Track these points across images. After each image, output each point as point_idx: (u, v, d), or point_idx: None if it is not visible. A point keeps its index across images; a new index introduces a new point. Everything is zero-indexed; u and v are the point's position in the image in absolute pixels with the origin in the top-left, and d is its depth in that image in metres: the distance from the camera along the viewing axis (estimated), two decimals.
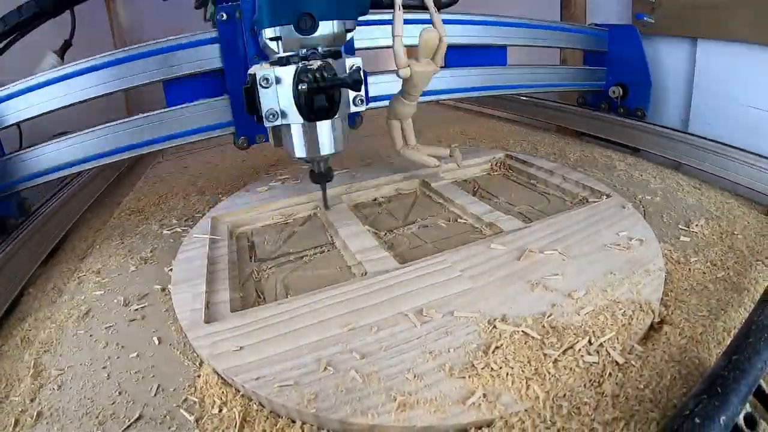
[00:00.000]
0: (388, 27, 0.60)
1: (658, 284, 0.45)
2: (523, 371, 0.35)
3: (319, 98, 0.52)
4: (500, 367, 0.35)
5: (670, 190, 0.71)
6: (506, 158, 0.83)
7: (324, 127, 0.56)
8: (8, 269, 0.56)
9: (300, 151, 0.57)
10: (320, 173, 0.61)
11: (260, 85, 0.52)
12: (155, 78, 0.64)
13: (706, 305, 0.44)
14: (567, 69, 1.01)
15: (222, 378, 0.39)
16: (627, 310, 0.41)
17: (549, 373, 0.34)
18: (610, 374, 0.35)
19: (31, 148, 0.65)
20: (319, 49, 0.54)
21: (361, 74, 0.54)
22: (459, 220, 0.64)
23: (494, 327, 0.39)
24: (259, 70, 0.53)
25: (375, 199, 0.73)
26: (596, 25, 0.96)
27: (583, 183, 0.69)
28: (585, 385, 0.34)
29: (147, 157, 1.10)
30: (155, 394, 0.38)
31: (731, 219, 0.61)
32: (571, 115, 1.03)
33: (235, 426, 0.34)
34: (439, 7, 0.61)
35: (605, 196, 0.65)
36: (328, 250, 0.59)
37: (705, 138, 0.76)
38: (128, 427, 0.35)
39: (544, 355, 0.36)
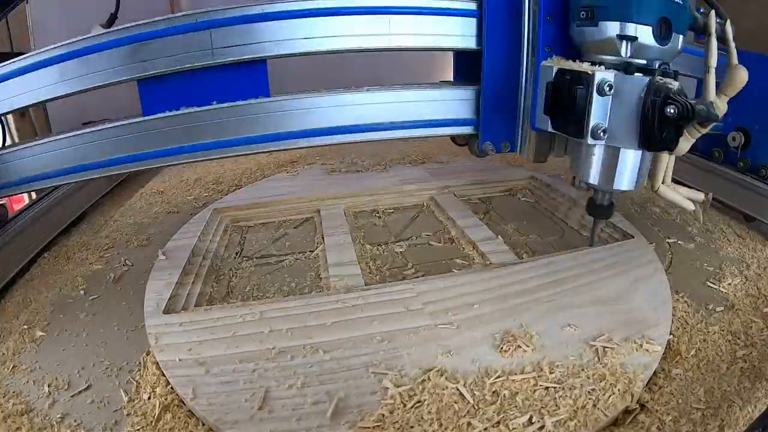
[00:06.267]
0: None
1: (652, 358, 0.36)
2: None
3: (675, 126, 0.40)
4: (412, 427, 0.29)
5: (709, 237, 0.58)
6: (530, 180, 0.74)
7: (634, 158, 0.43)
8: (29, 233, 0.58)
9: (594, 177, 0.45)
10: (600, 206, 0.47)
11: (598, 90, 0.40)
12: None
13: (707, 393, 0.34)
14: None
15: (160, 368, 0.37)
16: (597, 387, 0.32)
17: None
18: None
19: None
20: (670, 65, 0.42)
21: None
22: (454, 243, 0.57)
23: (427, 378, 0.33)
24: (599, 71, 0.40)
25: (374, 211, 0.67)
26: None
27: None
28: None
29: None
30: (109, 369, 0.39)
31: None
32: None
33: (154, 416, 0.33)
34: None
35: (627, 237, 0.54)
36: (310, 257, 0.55)
37: None
38: (76, 394, 0.36)
39: (468, 424, 0.29)
